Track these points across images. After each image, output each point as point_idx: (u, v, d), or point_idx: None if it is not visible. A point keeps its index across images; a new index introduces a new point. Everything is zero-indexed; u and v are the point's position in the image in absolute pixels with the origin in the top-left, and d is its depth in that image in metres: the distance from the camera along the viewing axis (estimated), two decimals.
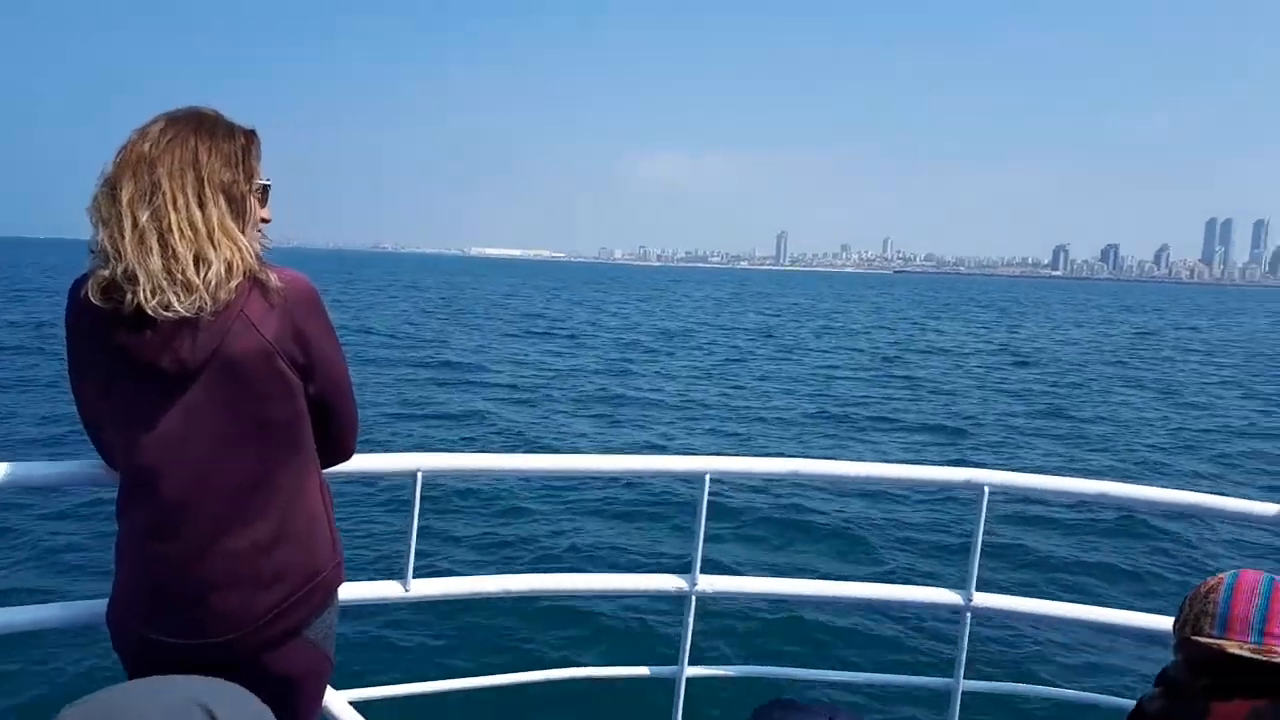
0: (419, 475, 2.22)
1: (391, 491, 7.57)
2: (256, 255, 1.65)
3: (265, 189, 1.74)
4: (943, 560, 7.23)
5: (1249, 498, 2.44)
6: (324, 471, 1.81)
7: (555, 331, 31.84)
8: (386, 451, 2.30)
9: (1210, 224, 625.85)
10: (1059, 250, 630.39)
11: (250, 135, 1.72)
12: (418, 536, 2.22)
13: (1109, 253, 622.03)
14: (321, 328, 1.69)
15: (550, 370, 20.28)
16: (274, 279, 1.62)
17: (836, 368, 23.90)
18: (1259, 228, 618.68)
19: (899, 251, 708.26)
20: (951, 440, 13.54)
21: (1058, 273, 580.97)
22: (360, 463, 2.03)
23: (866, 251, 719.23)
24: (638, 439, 12.41)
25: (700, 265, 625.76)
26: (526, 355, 23.13)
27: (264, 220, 1.74)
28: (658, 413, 14.90)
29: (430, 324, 32.74)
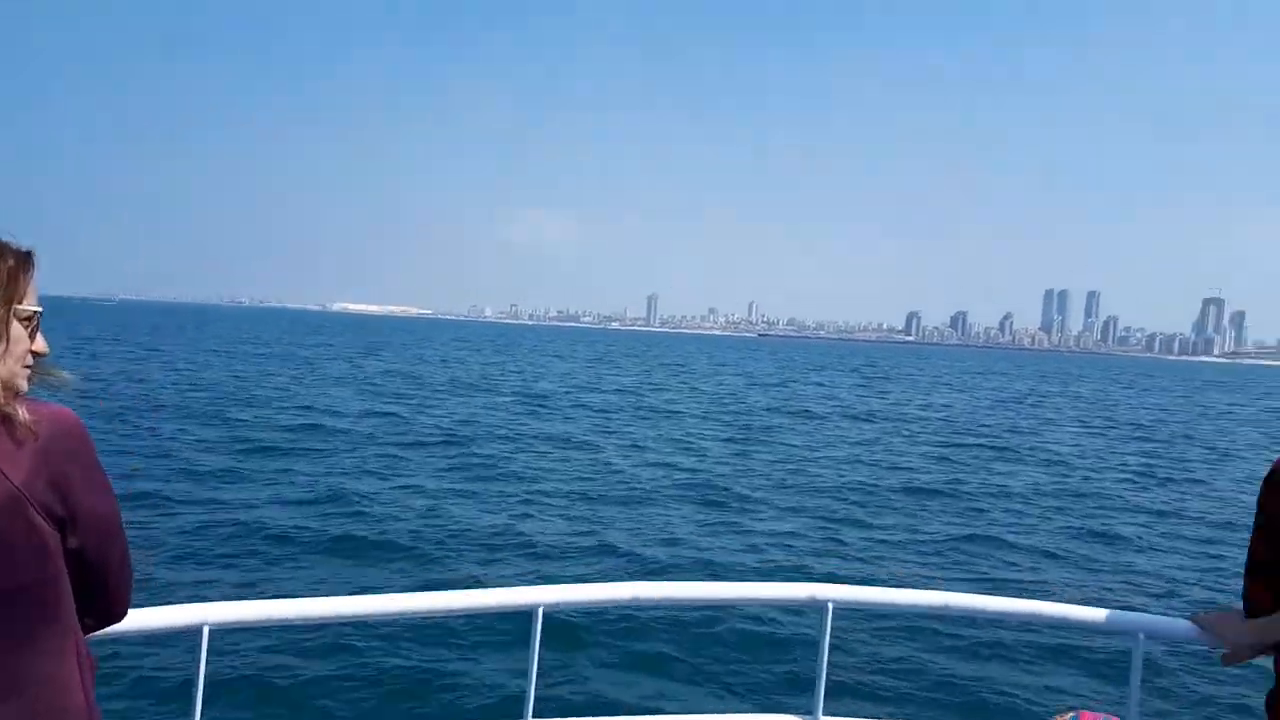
0: (205, 630, 1.88)
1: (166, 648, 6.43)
2: (10, 387, 1.37)
3: (34, 316, 1.45)
4: (788, 681, 6.99)
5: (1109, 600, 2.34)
6: (88, 637, 1.51)
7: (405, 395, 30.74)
8: (167, 604, 1.89)
9: (1048, 294, 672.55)
10: (912, 316, 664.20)
11: (22, 258, 1.44)
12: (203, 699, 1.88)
13: (958, 319, 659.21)
14: (85, 471, 1.42)
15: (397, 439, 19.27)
16: (24, 413, 1.35)
17: (703, 435, 23.76)
18: (1092, 298, 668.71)
19: (763, 315, 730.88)
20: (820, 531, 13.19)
21: (911, 338, 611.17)
22: (135, 619, 1.69)
23: (733, 314, 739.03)
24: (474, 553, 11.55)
25: (572, 324, 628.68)
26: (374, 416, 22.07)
27: (34, 353, 1.45)
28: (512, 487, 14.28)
29: (271, 387, 30.80)
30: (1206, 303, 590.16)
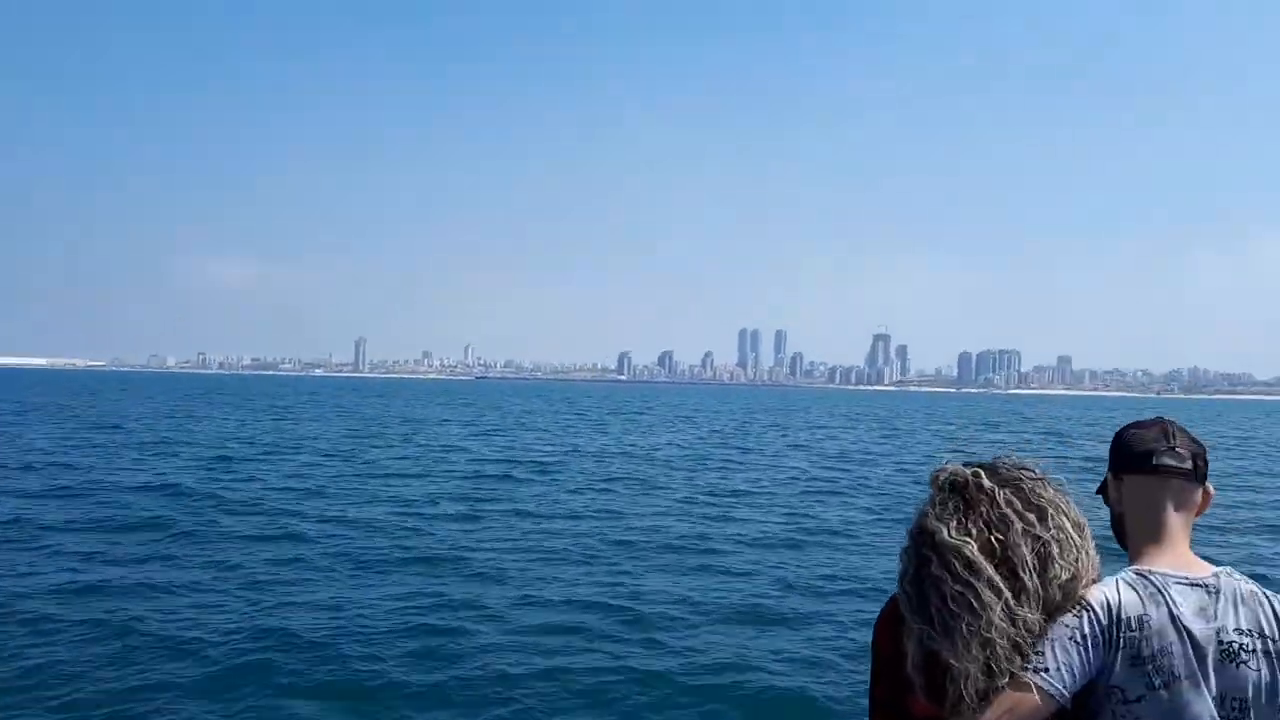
0: None
1: None
2: None
3: None
4: None
5: None
6: None
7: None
8: None
9: (742, 333, 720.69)
10: (623, 356, 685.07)
11: None
12: None
13: (665, 358, 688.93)
14: None
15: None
16: None
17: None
18: (780, 336, 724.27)
19: (479, 358, 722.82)
20: None
21: (623, 377, 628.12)
22: None
23: (448, 358, 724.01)
24: None
25: (270, 372, 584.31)
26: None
27: None
28: None
29: None
30: (876, 338, 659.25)
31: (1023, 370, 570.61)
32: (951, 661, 1.86)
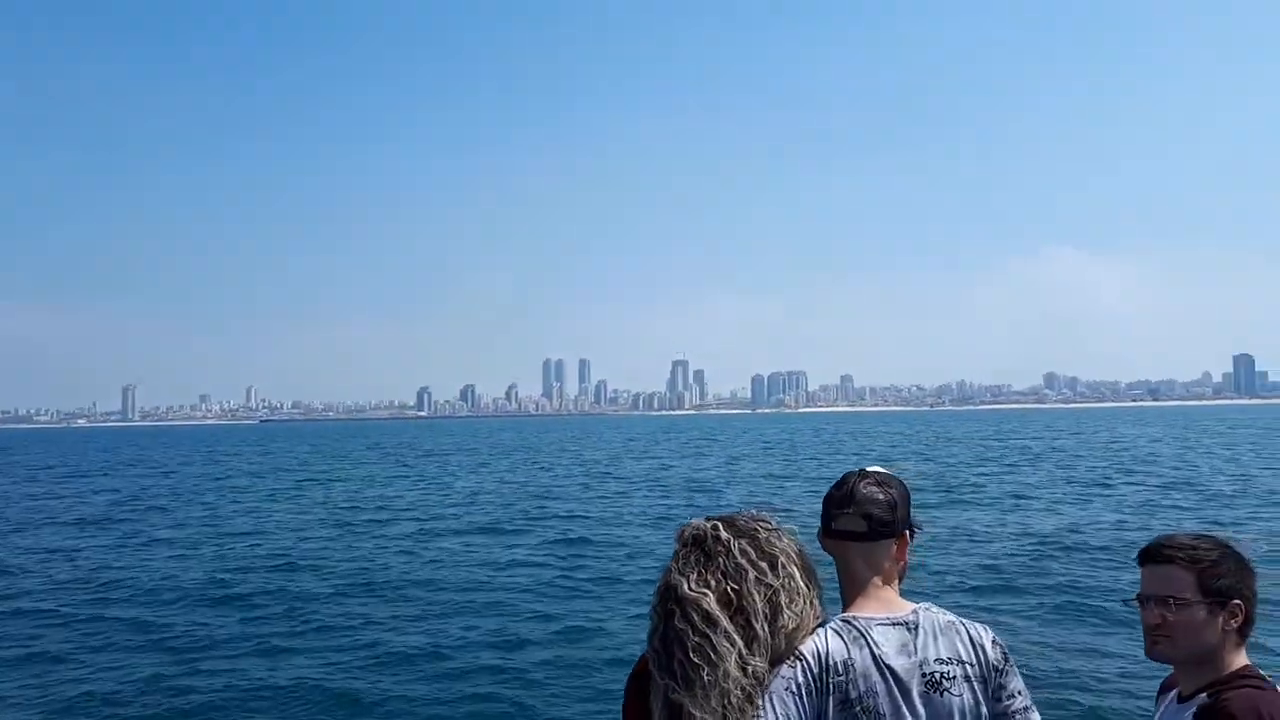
0: None
1: None
2: None
3: None
4: None
5: None
6: None
7: None
8: None
9: (546, 364, 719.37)
10: (423, 392, 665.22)
11: None
12: None
13: (467, 392, 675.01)
14: None
15: None
16: None
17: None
18: (584, 366, 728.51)
19: (264, 400, 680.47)
20: None
21: (423, 413, 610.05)
22: None
23: (229, 401, 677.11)
24: None
25: (24, 426, 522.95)
26: None
27: None
28: None
29: None
30: (675, 364, 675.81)
31: (810, 390, 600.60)
32: (694, 714, 1.90)
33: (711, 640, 1.89)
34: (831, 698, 1.96)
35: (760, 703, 1.91)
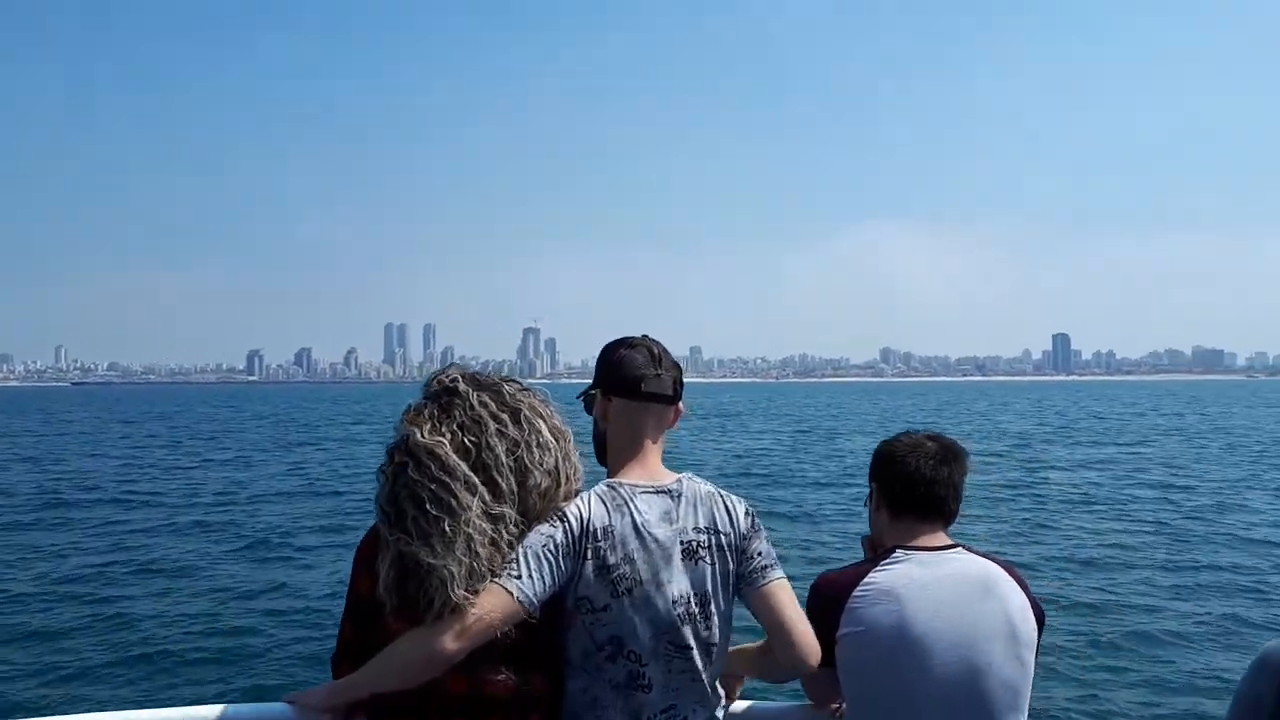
0: None
1: None
2: None
3: None
4: None
5: None
6: None
7: None
8: None
9: (389, 328, 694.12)
10: (253, 355, 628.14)
11: None
12: None
13: (303, 356, 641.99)
14: None
15: None
16: None
17: None
18: (429, 330, 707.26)
19: (76, 361, 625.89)
20: None
21: (254, 378, 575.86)
22: None
23: (35, 363, 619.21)
24: None
25: None
26: None
27: None
28: None
29: None
30: (527, 332, 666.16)
31: None
32: (431, 564, 1.78)
33: (450, 487, 1.79)
34: (590, 562, 1.94)
35: (514, 556, 1.86)
